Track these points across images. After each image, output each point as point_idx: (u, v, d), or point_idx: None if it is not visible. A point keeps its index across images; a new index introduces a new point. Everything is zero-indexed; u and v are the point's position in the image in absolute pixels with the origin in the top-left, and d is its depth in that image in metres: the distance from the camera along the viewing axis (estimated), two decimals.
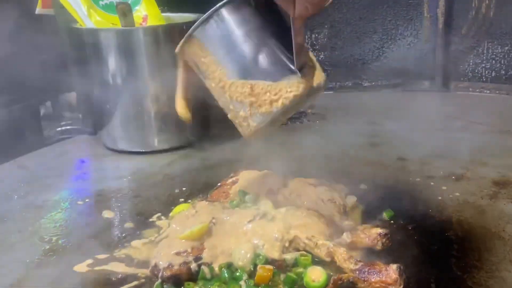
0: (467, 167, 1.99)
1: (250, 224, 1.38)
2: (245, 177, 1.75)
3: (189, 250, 1.30)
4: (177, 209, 1.65)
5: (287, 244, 1.33)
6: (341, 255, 1.26)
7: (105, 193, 1.89)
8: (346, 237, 1.36)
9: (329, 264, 1.27)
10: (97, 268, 1.35)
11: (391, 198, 1.70)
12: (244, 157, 2.23)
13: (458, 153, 2.13)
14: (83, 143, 2.55)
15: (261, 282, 1.22)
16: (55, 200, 1.84)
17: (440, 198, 1.71)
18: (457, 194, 1.74)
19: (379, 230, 1.36)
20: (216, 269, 1.27)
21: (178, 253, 1.29)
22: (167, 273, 1.25)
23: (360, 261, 1.23)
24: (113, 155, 2.33)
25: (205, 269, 1.26)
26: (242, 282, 1.23)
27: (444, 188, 1.80)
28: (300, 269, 1.27)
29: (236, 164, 2.08)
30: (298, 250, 1.33)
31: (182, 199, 1.80)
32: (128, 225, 1.62)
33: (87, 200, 1.83)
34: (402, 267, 1.18)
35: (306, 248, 1.33)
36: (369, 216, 1.59)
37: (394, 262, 1.21)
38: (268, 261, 1.27)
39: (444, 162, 2.06)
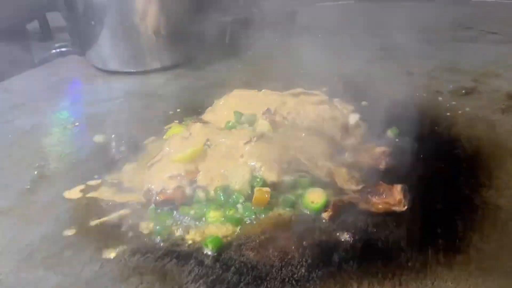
0: (478, 80, 1.87)
1: (246, 145, 1.30)
2: (240, 96, 1.65)
3: (183, 173, 1.24)
4: (171, 131, 1.57)
5: (285, 166, 1.25)
6: (342, 176, 1.20)
7: (95, 116, 1.80)
8: (348, 156, 1.29)
9: (330, 185, 1.21)
10: (88, 195, 1.30)
11: (397, 115, 1.60)
12: (241, 75, 2.12)
13: (470, 65, 1.99)
14: (73, 64, 2.40)
15: (258, 204, 1.17)
16: (44, 124, 1.76)
17: (448, 114, 1.62)
18: (467, 109, 1.64)
19: (383, 148, 1.28)
20: (212, 192, 1.21)
21: (171, 177, 1.23)
22: (161, 198, 1.20)
23: (362, 181, 1.17)
24: (104, 76, 2.21)
25: (199, 193, 1.20)
26: (239, 205, 1.18)
27: (453, 103, 1.70)
28: (299, 191, 1.21)
29: (232, 83, 1.97)
30: (297, 171, 1.27)
31: (176, 121, 1.72)
32: (120, 149, 1.55)
33: (77, 124, 1.75)
34: (406, 188, 1.11)
35: (305, 169, 1.26)
36: (373, 134, 1.50)
37: (398, 182, 1.15)
38: (266, 184, 1.20)
39: (454, 75, 1.93)
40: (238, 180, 1.20)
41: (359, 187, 1.15)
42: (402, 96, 1.76)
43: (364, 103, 1.74)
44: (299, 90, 1.60)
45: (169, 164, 1.27)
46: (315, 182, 1.22)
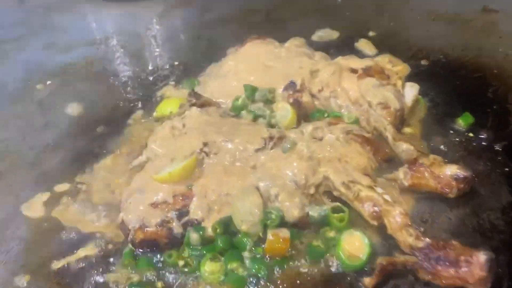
0: None
1: (259, 154, 0.93)
2: (254, 53, 1.22)
3: (170, 199, 0.89)
4: (162, 106, 1.19)
5: (312, 191, 0.89)
6: (395, 220, 0.83)
7: (72, 69, 1.41)
8: (402, 176, 0.91)
9: (376, 231, 0.85)
10: (53, 213, 0.98)
11: (468, 88, 1.17)
12: (258, 8, 1.63)
13: None
14: None
15: (272, 254, 0.84)
16: (8, 81, 1.39)
17: None
18: None
19: (457, 172, 0.88)
20: (209, 229, 0.87)
21: (155, 205, 0.89)
22: (139, 236, 0.87)
23: (424, 235, 0.80)
24: (90, 3, 1.75)
25: (192, 233, 0.86)
26: (245, 254, 0.85)
27: None
28: (331, 233, 0.86)
29: (245, 21, 1.51)
30: (328, 201, 0.91)
31: (172, 82, 1.32)
32: (99, 129, 1.19)
33: (49, 82, 1.37)
34: (493, 259, 0.75)
35: (341, 196, 0.90)
36: (436, 121, 1.10)
37: (482, 242, 0.79)
38: (284, 221, 0.86)
39: None
40: (244, 219, 0.84)
41: (421, 243, 0.78)
42: (477, 52, 1.29)
43: (424, 62, 1.29)
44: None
45: (151, 184, 0.91)
46: (354, 221, 0.87)
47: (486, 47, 1.31)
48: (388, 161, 0.96)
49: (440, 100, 1.15)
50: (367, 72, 1.12)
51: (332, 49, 1.35)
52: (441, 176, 0.88)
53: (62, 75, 1.39)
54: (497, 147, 1.01)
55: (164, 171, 0.90)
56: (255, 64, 1.18)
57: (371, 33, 1.42)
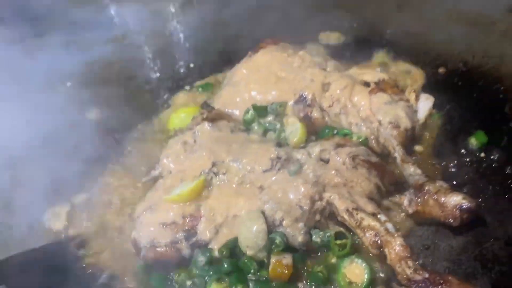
0: None
1: (266, 175, 0.95)
2: (266, 63, 1.21)
3: (179, 220, 0.93)
4: (175, 119, 1.21)
5: (317, 217, 0.92)
6: (395, 251, 0.84)
7: (91, 72, 1.44)
8: (407, 203, 0.92)
9: (377, 260, 0.88)
10: (70, 231, 1.05)
11: (486, 102, 1.15)
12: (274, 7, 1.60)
13: None
14: None
15: (276, 280, 0.88)
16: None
17: None
18: None
19: (462, 201, 0.88)
20: (216, 252, 0.91)
21: (165, 225, 0.94)
22: (150, 255, 0.93)
23: (423, 267, 0.82)
24: None
25: (199, 256, 0.91)
26: (250, 276, 0.89)
27: None
28: (333, 259, 0.89)
29: (262, 20, 1.50)
30: (332, 226, 0.93)
31: (187, 87, 1.35)
32: (112, 136, 1.23)
33: (69, 84, 1.41)
34: None
35: (344, 222, 0.92)
36: (447, 139, 1.09)
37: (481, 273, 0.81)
38: (287, 246, 0.89)
39: None
40: (249, 245, 0.88)
41: (419, 276, 0.80)
42: (499, 61, 1.25)
43: (441, 70, 1.26)
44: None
45: (162, 204, 0.96)
46: (356, 248, 0.89)
47: (509, 53, 1.27)
48: (395, 185, 0.97)
49: (455, 115, 1.14)
50: (380, 86, 1.11)
51: (347, 52, 1.34)
52: (446, 205, 0.89)
53: (81, 76, 1.43)
54: (508, 171, 1.00)
55: (174, 192, 0.95)
56: (267, 74, 1.18)
57: (388, 33, 1.39)
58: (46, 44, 1.58)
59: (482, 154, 1.04)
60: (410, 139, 1.05)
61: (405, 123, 1.04)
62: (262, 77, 1.19)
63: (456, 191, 0.90)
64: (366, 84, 1.12)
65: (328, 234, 0.90)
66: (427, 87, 1.20)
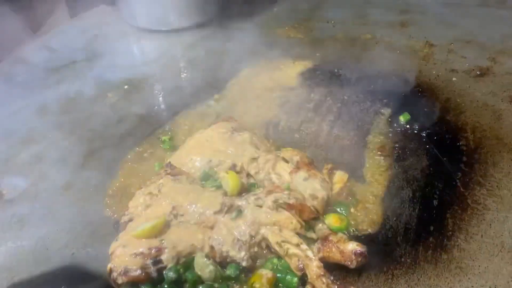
0: (494, 59, 1.81)
1: (216, 216, 1.19)
2: (210, 136, 1.45)
3: (147, 251, 1.12)
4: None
5: (256, 249, 1.16)
6: (313, 271, 1.09)
7: (132, 83, 1.90)
8: (316, 251, 1.16)
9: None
10: None
11: (411, 97, 1.72)
12: (265, 41, 2.18)
13: (490, 38, 2.01)
14: (103, 16, 2.44)
15: None
16: (86, 91, 1.86)
17: (458, 100, 1.64)
18: (478, 94, 1.65)
19: (356, 248, 1.12)
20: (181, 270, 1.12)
21: (135, 254, 1.12)
22: (124, 280, 1.10)
23: (335, 281, 1.08)
24: (134, 34, 2.24)
25: (170, 274, 1.11)
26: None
27: (466, 85, 1.70)
28: (257, 285, 1.11)
29: (258, 48, 2.04)
30: (268, 249, 1.19)
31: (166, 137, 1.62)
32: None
33: (115, 91, 1.86)
34: None
35: (276, 253, 1.16)
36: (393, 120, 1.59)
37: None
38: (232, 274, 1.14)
39: (472, 50, 1.86)
40: (202, 268, 1.13)
41: None
42: (419, 74, 1.83)
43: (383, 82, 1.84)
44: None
45: (132, 240, 1.16)
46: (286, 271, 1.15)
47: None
48: (314, 219, 1.23)
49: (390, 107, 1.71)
50: (298, 165, 1.35)
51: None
52: (344, 251, 1.13)
53: (124, 85, 1.92)
54: (423, 134, 1.53)
55: (139, 228, 1.16)
56: (210, 146, 1.42)
57: None
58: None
59: (407, 126, 1.60)
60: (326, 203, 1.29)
61: (322, 193, 1.28)
62: (207, 147, 1.42)
63: (351, 240, 1.15)
64: (285, 160, 1.38)
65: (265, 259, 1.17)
66: None
